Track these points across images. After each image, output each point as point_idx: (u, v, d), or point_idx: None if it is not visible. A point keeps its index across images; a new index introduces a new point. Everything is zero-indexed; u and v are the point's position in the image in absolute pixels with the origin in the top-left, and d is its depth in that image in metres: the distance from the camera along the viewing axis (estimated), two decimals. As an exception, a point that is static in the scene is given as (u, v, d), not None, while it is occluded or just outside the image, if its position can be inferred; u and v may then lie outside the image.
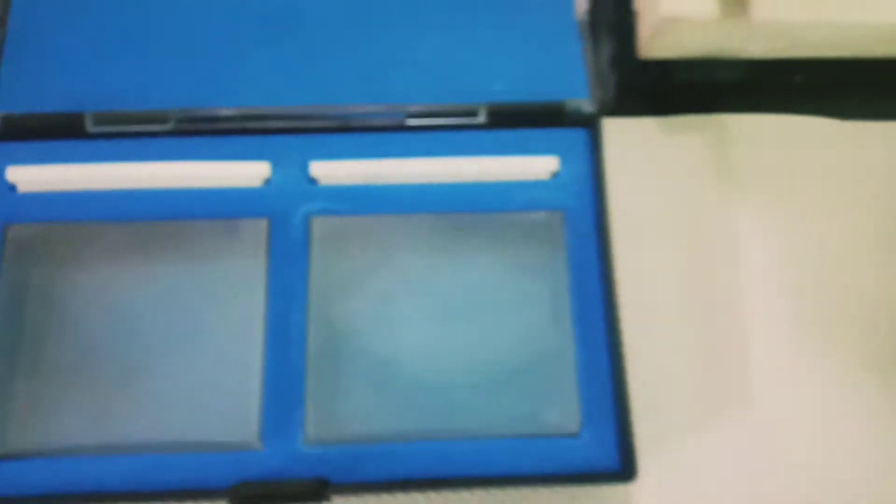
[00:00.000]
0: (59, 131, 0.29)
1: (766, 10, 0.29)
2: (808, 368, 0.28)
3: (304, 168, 0.28)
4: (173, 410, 0.26)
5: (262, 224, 0.28)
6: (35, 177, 0.28)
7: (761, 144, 0.31)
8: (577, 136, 0.29)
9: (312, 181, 0.28)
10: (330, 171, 0.28)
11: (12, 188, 0.28)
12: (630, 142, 0.31)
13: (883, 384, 0.28)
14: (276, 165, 0.28)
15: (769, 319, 0.29)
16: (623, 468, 0.25)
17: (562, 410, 0.26)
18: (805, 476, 0.27)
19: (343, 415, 0.26)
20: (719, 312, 0.29)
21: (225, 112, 0.29)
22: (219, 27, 0.30)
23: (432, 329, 0.27)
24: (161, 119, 0.29)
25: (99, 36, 0.29)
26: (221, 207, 0.28)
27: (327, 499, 0.24)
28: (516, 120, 0.29)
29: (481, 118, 0.29)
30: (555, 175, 0.29)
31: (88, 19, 0.30)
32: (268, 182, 0.28)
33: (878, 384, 0.28)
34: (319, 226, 0.28)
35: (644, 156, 0.31)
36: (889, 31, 0.30)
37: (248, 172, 0.28)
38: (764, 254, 0.30)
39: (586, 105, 0.29)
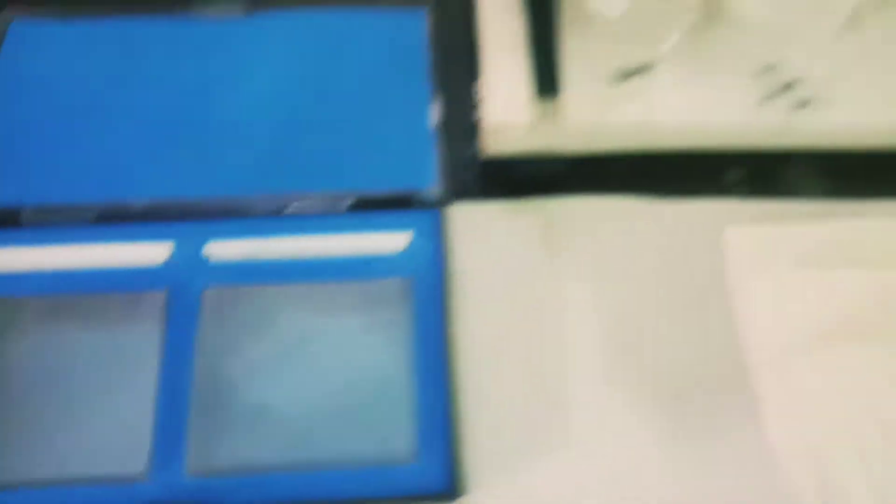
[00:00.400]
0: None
1: (573, 115, 0.36)
2: (617, 406, 0.33)
3: (200, 248, 0.34)
4: (79, 450, 0.31)
5: (162, 296, 0.34)
6: (-24, 260, 0.34)
7: (585, 221, 0.37)
8: (427, 217, 0.35)
9: (206, 258, 0.34)
10: (221, 250, 0.34)
11: (-43, 271, 0.34)
12: (476, 222, 0.37)
13: (672, 416, 0.33)
14: (177, 246, 0.35)
15: (587, 368, 0.34)
16: (450, 490, 0.30)
17: (402, 443, 0.31)
18: (612, 492, 0.32)
19: (220, 451, 0.31)
20: (546, 362, 0.34)
21: (136, 204, 0.35)
22: (130, 137, 0.37)
23: (299, 378, 0.32)
24: (84, 212, 0.35)
25: (31, 146, 0.36)
26: (130, 282, 0.34)
27: (203, 521, 0.29)
28: (379, 204, 0.35)
29: (349, 203, 0.35)
30: (407, 249, 0.35)
31: (22, 134, 0.36)
32: (169, 260, 0.34)
33: (668, 417, 0.33)
34: (209, 296, 0.34)
35: (488, 234, 0.37)
36: (671, 128, 0.37)
37: (153, 253, 0.34)
38: (584, 313, 0.35)
39: (435, 193, 0.36)
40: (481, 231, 0.37)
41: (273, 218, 0.35)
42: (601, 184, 0.38)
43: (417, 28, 0.41)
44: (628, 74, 0.37)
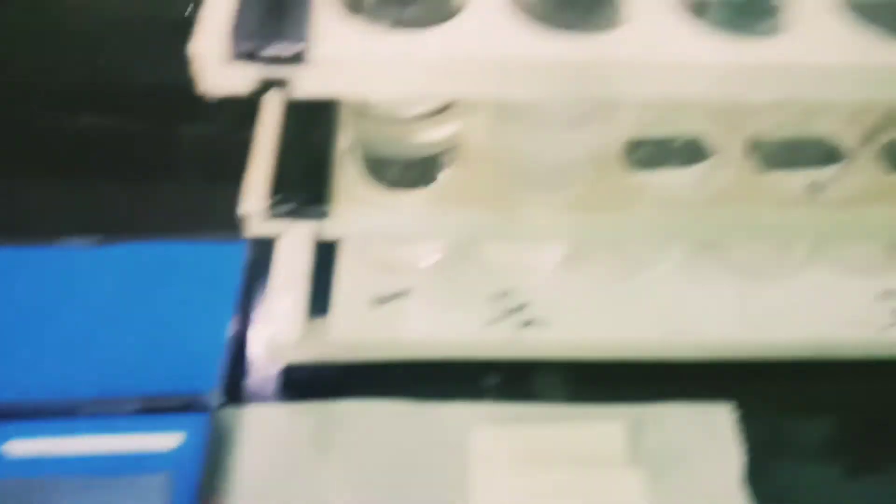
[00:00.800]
0: None
1: (343, 332, 0.43)
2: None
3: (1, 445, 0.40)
4: None
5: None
6: None
7: (351, 423, 0.43)
8: (203, 419, 0.41)
9: (4, 454, 0.40)
10: (18, 447, 0.40)
11: None
12: (253, 423, 0.43)
13: None
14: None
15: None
16: None
17: None
18: None
19: None
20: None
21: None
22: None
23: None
24: None
25: None
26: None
27: None
28: (162, 407, 0.42)
29: (134, 406, 0.41)
30: (179, 447, 0.40)
31: None
32: (-31, 458, 0.40)
33: None
34: (2, 487, 0.39)
35: (263, 434, 0.42)
36: (425, 341, 0.44)
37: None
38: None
39: (214, 397, 0.42)
40: (257, 431, 0.42)
41: (69, 419, 0.41)
42: (368, 390, 0.44)
43: (236, 256, 0.49)
44: (389, 297, 0.44)
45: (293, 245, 0.45)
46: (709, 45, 0.30)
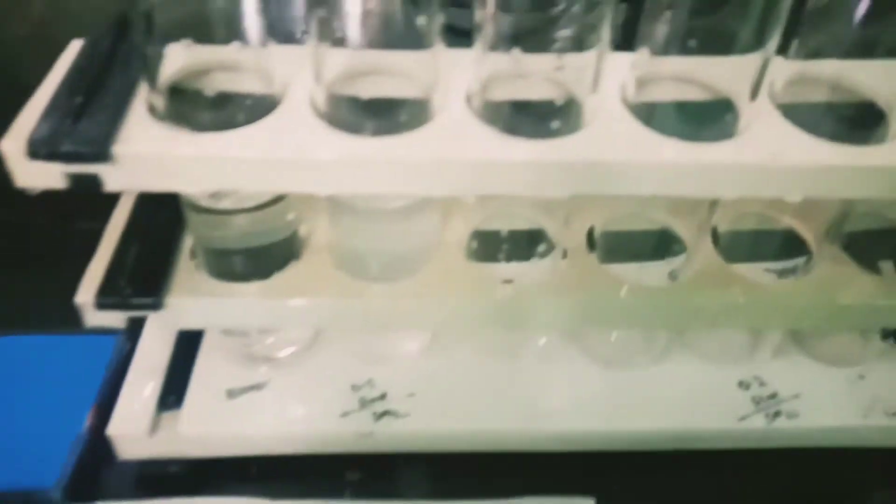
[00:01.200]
0: None
1: (190, 428, 0.43)
2: None
3: None
4: None
5: None
6: None
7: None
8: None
9: None
10: None
11: None
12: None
13: None
14: None
15: None
16: None
17: None
18: None
19: None
20: None
21: None
22: None
23: None
24: None
25: None
26: None
27: None
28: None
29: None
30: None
31: None
32: None
33: None
34: None
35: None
36: (279, 435, 0.43)
37: None
38: None
39: (55, 494, 0.41)
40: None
41: None
42: (222, 487, 0.43)
43: (105, 350, 0.49)
44: (244, 390, 0.44)
45: (153, 337, 0.45)
46: (502, 145, 0.32)
